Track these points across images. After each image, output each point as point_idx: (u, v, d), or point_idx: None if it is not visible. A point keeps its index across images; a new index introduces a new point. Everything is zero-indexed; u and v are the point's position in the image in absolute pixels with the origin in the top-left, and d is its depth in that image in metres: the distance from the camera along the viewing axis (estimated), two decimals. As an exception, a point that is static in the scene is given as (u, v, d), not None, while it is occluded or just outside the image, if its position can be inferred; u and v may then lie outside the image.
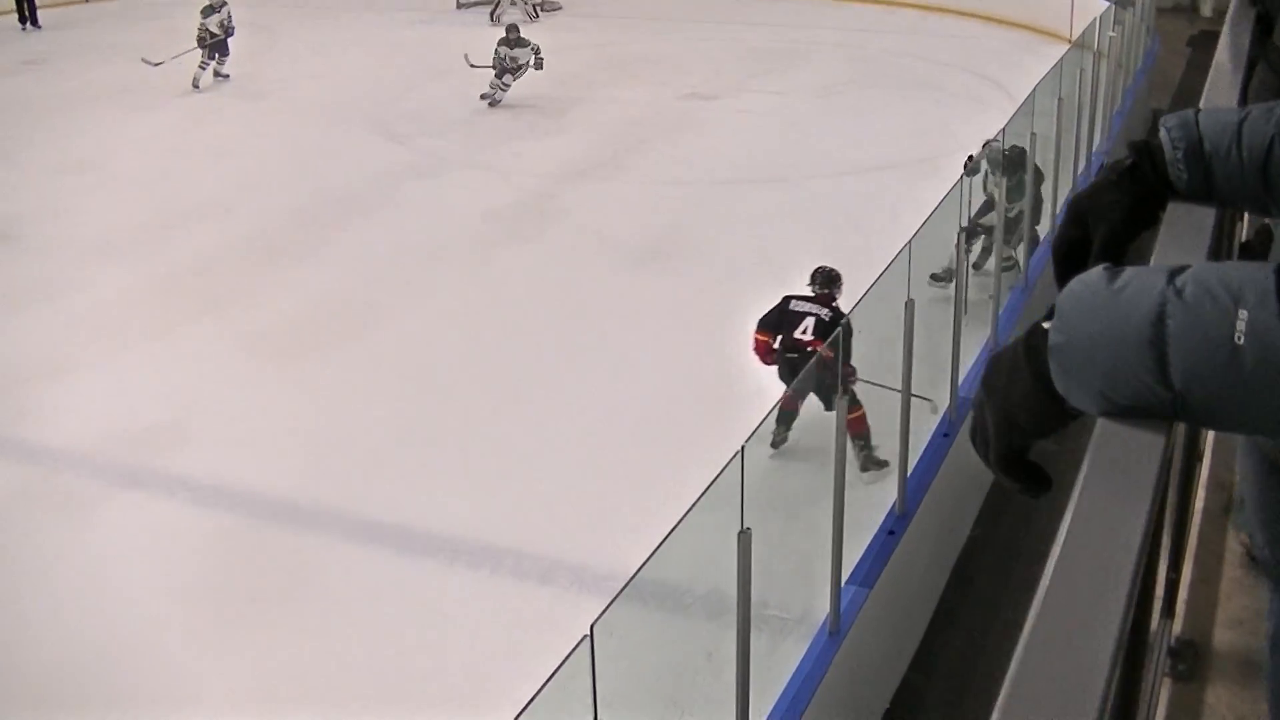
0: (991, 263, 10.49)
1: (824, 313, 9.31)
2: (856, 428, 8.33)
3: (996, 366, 1.45)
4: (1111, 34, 14.72)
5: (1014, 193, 10.85)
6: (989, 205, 11.19)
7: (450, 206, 15.44)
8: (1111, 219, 1.68)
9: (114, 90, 21.56)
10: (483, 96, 19.73)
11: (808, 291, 9.61)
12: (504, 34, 20.12)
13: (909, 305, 7.22)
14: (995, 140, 10.62)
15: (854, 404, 8.02)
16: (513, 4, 26.81)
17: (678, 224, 14.53)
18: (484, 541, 8.74)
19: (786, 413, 8.82)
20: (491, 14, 26.65)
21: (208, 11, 21.68)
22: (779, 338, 9.29)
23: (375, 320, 12.26)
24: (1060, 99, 11.56)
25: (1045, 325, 1.38)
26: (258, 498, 9.52)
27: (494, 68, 19.78)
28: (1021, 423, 1.44)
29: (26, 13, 27.16)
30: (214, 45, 21.75)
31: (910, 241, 7.12)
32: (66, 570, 8.78)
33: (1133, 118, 16.99)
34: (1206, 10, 26.63)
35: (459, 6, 27.78)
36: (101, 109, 20.39)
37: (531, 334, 11.92)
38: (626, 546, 8.49)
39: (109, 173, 17.10)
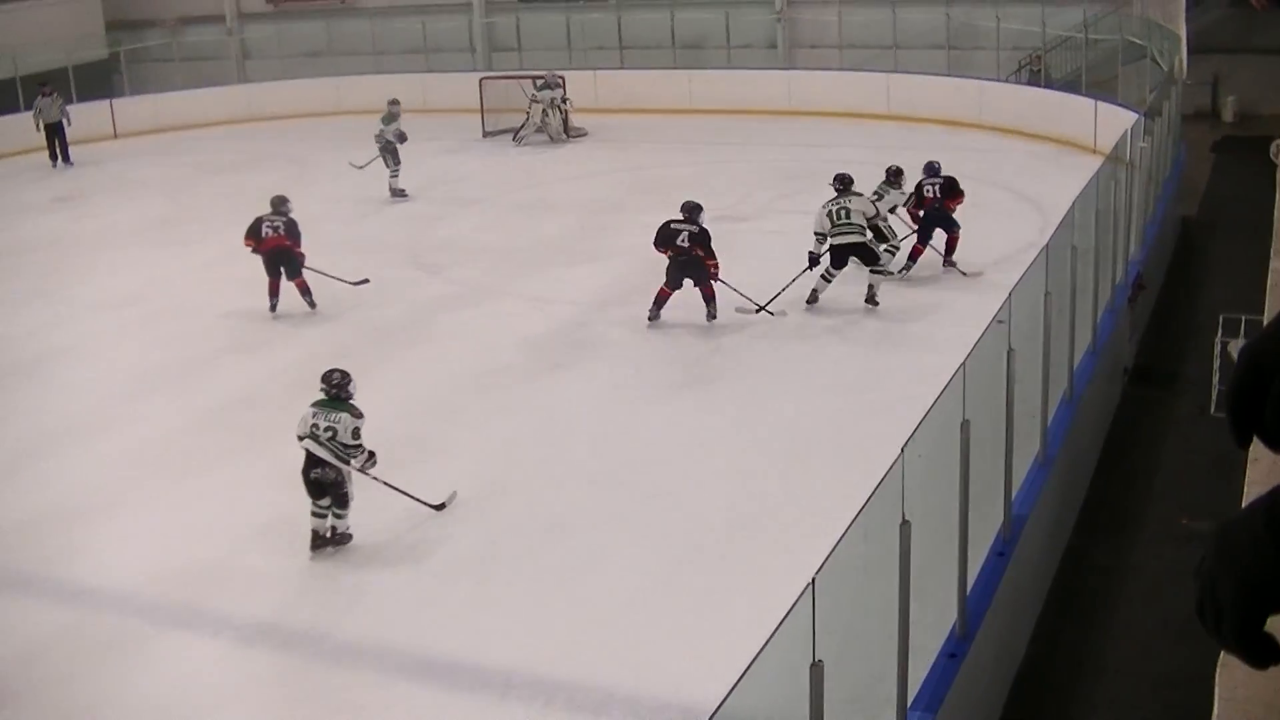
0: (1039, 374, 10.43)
1: (693, 228, 14.93)
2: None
3: (1233, 539, 1.40)
4: (1143, 145, 14.79)
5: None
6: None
7: (487, 337, 15.47)
8: None
9: (147, 226, 21.88)
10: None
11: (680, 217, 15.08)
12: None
13: (965, 426, 7.17)
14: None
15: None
16: (537, 131, 27.13)
17: (716, 348, 14.54)
18: (536, 675, 8.63)
19: (662, 299, 15.16)
20: (514, 136, 26.98)
21: (386, 120, 22.28)
22: (666, 250, 14.93)
23: (419, 453, 12.22)
24: (1098, 211, 11.60)
25: None
26: (305, 635, 9.43)
27: None
28: (1265, 597, 1.39)
29: (58, 150, 27.60)
30: (385, 151, 22.34)
31: (964, 363, 7.09)
32: (107, 712, 8.70)
33: (1164, 227, 17.03)
34: (1228, 116, 26.83)
35: (485, 135, 28.10)
36: (136, 245, 20.65)
37: (575, 464, 11.88)
38: (680, 675, 8.43)
39: (147, 309, 17.25)
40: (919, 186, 16.64)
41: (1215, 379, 12.46)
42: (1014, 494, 8.91)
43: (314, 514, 10.35)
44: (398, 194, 22.43)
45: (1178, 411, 13.39)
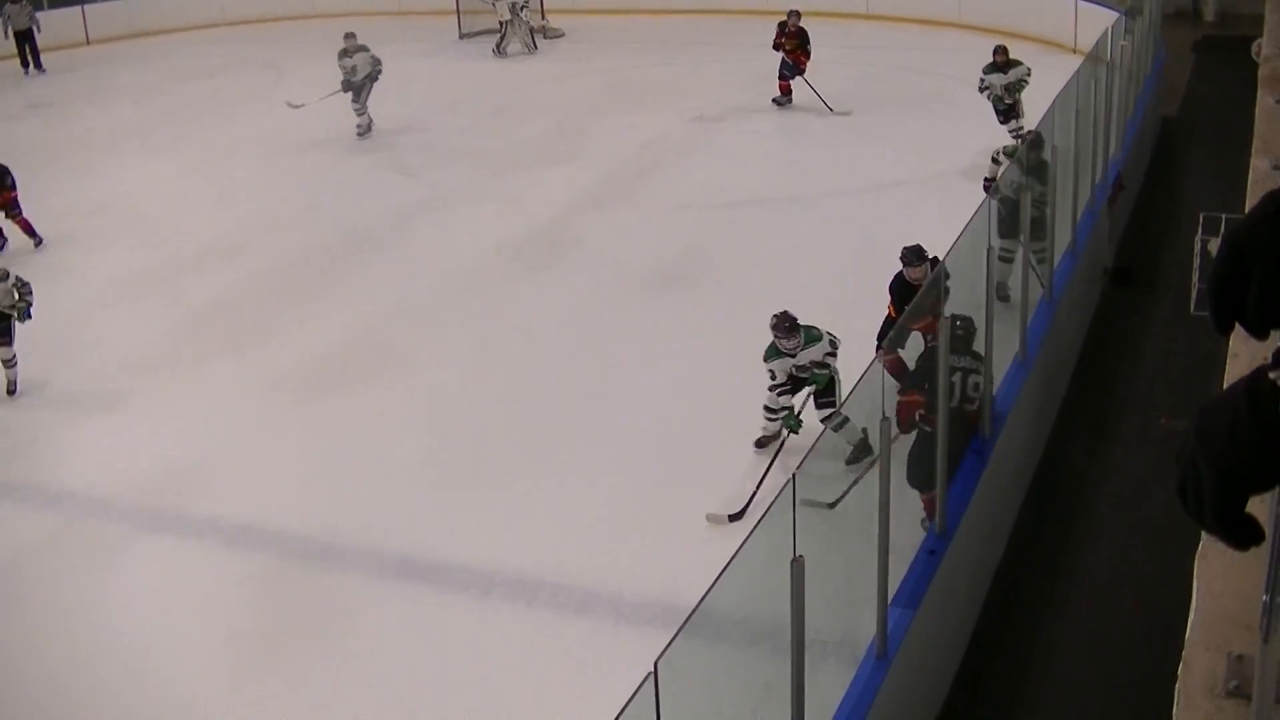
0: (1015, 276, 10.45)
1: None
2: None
3: (1211, 419, 1.38)
4: (1123, 43, 14.69)
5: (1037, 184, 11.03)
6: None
7: (463, 239, 15.40)
8: (1274, 251, 1.62)
9: (122, 133, 21.63)
10: None
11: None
12: None
13: (946, 322, 7.18)
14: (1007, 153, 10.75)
15: None
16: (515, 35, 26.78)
17: (693, 248, 14.47)
18: (519, 573, 8.69)
19: None
20: (496, 47, 26.56)
21: (340, 55, 20.37)
22: None
23: (396, 356, 12.23)
24: (1077, 111, 11.54)
25: (1273, 375, 1.31)
26: (288, 538, 9.48)
27: None
28: (1246, 476, 1.37)
29: (29, 57, 27.19)
30: (353, 88, 20.33)
31: (943, 260, 7.09)
32: (93, 616, 8.76)
33: (1144, 127, 16.97)
34: (1209, 15, 26.66)
35: (461, 37, 27.78)
36: (111, 151, 20.41)
37: (553, 365, 11.87)
38: (660, 574, 8.49)
39: (122, 215, 17.11)
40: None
41: (1195, 278, 12.45)
42: (994, 392, 8.95)
43: None
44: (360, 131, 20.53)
45: (1157, 312, 13.41)
